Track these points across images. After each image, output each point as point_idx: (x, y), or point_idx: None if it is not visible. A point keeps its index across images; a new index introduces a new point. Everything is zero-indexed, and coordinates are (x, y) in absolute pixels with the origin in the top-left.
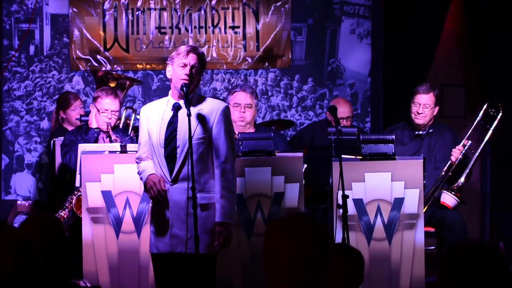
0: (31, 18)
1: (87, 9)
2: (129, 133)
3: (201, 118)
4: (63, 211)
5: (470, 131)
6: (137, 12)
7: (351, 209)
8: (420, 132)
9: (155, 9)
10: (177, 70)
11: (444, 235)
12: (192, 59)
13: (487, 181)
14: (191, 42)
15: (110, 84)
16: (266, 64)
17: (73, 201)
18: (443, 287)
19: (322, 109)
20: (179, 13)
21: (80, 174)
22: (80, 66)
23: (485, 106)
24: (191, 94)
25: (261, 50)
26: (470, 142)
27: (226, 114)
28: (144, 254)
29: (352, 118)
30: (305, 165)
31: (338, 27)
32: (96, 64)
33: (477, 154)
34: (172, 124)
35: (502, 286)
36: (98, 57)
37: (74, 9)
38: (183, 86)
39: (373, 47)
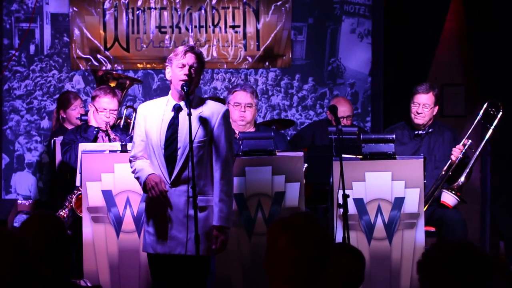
0: (32, 17)
1: (87, 8)
2: (129, 132)
3: (202, 121)
4: (63, 211)
5: (470, 130)
6: (138, 12)
7: (352, 208)
8: (420, 132)
9: (155, 8)
10: (176, 71)
11: (445, 234)
12: (190, 58)
13: (487, 180)
14: (191, 42)
15: (110, 84)
16: (267, 63)
17: (73, 200)
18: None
19: (322, 109)
20: (179, 12)
21: (80, 173)
22: (81, 66)
23: (485, 105)
24: (192, 94)
25: (262, 49)
26: (470, 141)
27: (226, 117)
28: (144, 253)
29: (352, 118)
30: (306, 165)
31: (339, 26)
32: (96, 64)
33: (477, 153)
34: (173, 126)
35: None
36: (99, 56)
37: (74, 8)
38: (183, 86)
39: (373, 47)
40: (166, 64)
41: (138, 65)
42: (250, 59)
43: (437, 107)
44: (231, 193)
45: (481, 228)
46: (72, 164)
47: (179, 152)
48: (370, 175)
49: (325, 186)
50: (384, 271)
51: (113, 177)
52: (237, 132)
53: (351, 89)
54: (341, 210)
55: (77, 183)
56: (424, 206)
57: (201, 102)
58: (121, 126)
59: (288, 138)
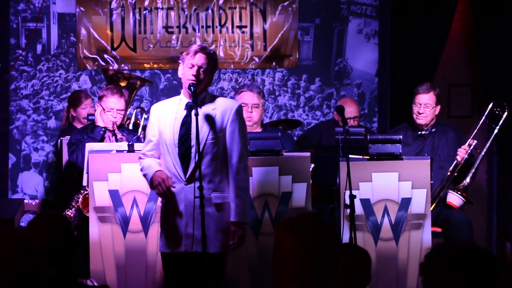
0: (38, 17)
1: (94, 8)
2: (139, 132)
3: (215, 118)
4: (70, 210)
5: (475, 130)
6: (145, 12)
7: (359, 209)
8: (423, 132)
9: (162, 8)
10: (185, 70)
11: (451, 235)
12: (199, 59)
13: (493, 180)
14: (198, 42)
15: (120, 84)
16: (274, 63)
17: (80, 200)
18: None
19: (329, 109)
20: (186, 12)
21: (87, 173)
22: (87, 65)
23: (490, 106)
24: (203, 93)
25: (269, 49)
26: (475, 141)
27: (239, 113)
28: (151, 253)
29: (359, 118)
30: (312, 165)
31: (346, 27)
32: (103, 63)
33: (483, 153)
34: (186, 124)
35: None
36: (105, 56)
37: (81, 8)
38: (190, 86)
39: (380, 47)
40: (179, 61)
41: (145, 65)
42: (257, 59)
43: (439, 107)
44: (247, 189)
45: (487, 229)
46: (79, 164)
47: (193, 150)
48: (377, 176)
49: (332, 187)
50: (391, 271)
51: (120, 177)
52: None
53: (358, 89)
54: (348, 210)
55: (84, 183)
56: (430, 207)
57: (213, 99)
58: (130, 127)
59: (295, 138)
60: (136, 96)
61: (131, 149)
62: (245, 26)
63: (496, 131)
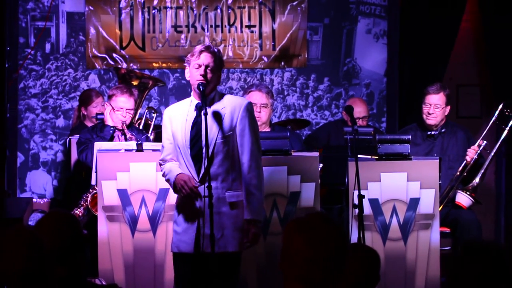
0: (47, 16)
1: (103, 7)
2: (149, 132)
3: (225, 116)
4: (78, 209)
5: (485, 131)
6: (153, 11)
7: (367, 209)
8: (433, 132)
9: (171, 7)
10: (193, 72)
11: (459, 235)
12: (205, 58)
13: (502, 181)
14: (207, 41)
15: (132, 83)
16: (282, 63)
17: (89, 199)
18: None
19: (338, 109)
20: (195, 11)
21: (96, 172)
22: (96, 64)
23: (500, 106)
24: (213, 92)
25: (277, 49)
26: (485, 142)
27: (249, 110)
28: (159, 252)
29: (368, 118)
30: (321, 165)
31: (354, 26)
32: (112, 63)
33: (492, 154)
34: (197, 125)
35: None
36: (114, 55)
37: (90, 7)
38: (199, 86)
39: (389, 47)
40: (185, 64)
41: (154, 64)
42: (265, 59)
43: (449, 107)
44: (260, 186)
45: (495, 229)
46: (89, 163)
47: (204, 150)
48: (386, 176)
49: (340, 187)
50: (399, 271)
51: (128, 176)
52: None
53: (367, 89)
54: (357, 210)
55: (93, 182)
56: (439, 207)
57: (222, 97)
58: (141, 127)
59: (303, 138)
60: (146, 95)
61: (139, 149)
62: (254, 26)
63: (505, 132)
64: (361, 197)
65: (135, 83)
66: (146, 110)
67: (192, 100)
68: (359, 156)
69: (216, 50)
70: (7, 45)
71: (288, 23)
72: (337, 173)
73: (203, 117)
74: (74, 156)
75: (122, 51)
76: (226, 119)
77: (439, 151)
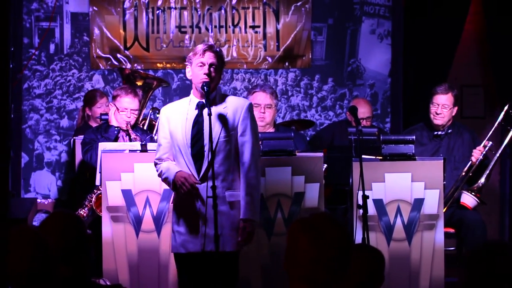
0: (51, 17)
1: (107, 7)
2: (154, 133)
3: (227, 116)
4: (83, 210)
5: (490, 132)
6: (158, 11)
7: (371, 209)
8: (439, 133)
9: (175, 8)
10: (196, 70)
11: (464, 235)
12: (209, 57)
13: (506, 182)
14: (211, 42)
15: (136, 83)
16: (286, 64)
17: (93, 199)
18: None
19: (342, 109)
20: (199, 12)
21: (100, 172)
22: (100, 65)
23: (506, 107)
24: (213, 92)
25: (281, 50)
26: (490, 143)
27: (250, 111)
28: (164, 253)
29: (372, 119)
30: (325, 165)
31: (359, 27)
32: (116, 63)
33: (497, 155)
34: (198, 123)
35: None
36: (118, 55)
37: (94, 7)
38: (204, 85)
39: (393, 48)
40: (186, 63)
41: (158, 64)
42: (270, 59)
43: (456, 108)
44: (258, 187)
45: (500, 230)
46: (93, 163)
47: (206, 149)
48: (390, 176)
49: (344, 187)
50: (403, 272)
51: (132, 177)
52: None
53: (371, 90)
54: (361, 211)
55: (97, 183)
56: (444, 207)
57: (224, 97)
58: (145, 127)
59: (308, 138)
60: (150, 96)
61: (144, 149)
62: (258, 26)
63: (511, 133)
64: (365, 197)
65: (139, 83)
66: (150, 111)
67: (192, 99)
68: (363, 156)
69: (218, 49)
70: (11, 46)
71: (292, 24)
72: (341, 173)
73: (206, 116)
74: (78, 156)
75: (126, 51)
76: (228, 119)
77: (445, 152)
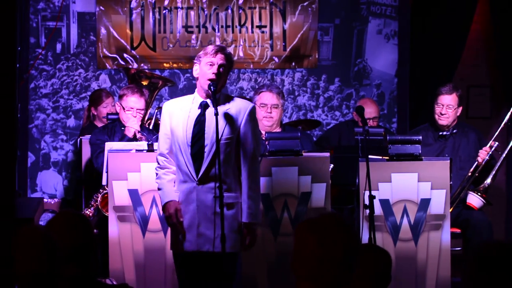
0: (58, 16)
1: (114, 7)
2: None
3: (229, 118)
4: (88, 209)
5: (497, 132)
6: (164, 11)
7: (378, 209)
8: (444, 133)
9: (182, 8)
10: (204, 69)
11: (470, 236)
12: (219, 58)
13: None
14: (218, 42)
15: (142, 83)
16: (293, 64)
17: (99, 199)
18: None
19: (348, 109)
20: (206, 12)
21: (107, 172)
22: (107, 65)
23: None
24: (218, 93)
25: (288, 49)
26: (496, 143)
27: (253, 114)
28: (170, 253)
29: (378, 119)
30: (332, 165)
31: (365, 27)
32: (122, 63)
33: (503, 155)
34: (200, 123)
35: None
36: (125, 55)
37: (101, 7)
38: (210, 85)
39: (400, 48)
40: (195, 61)
41: (165, 64)
42: (276, 59)
43: (461, 108)
44: (258, 190)
45: (506, 230)
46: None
47: (206, 149)
48: (396, 176)
49: (351, 187)
50: (410, 272)
51: (139, 177)
52: (263, 132)
53: (377, 90)
54: (367, 211)
55: (103, 182)
56: (450, 207)
57: (227, 99)
58: (151, 127)
59: (314, 138)
60: (156, 95)
61: (150, 149)
62: (265, 26)
63: None
64: (371, 197)
65: (144, 83)
66: (156, 110)
67: (196, 97)
68: (370, 156)
69: (229, 52)
70: (18, 45)
71: (299, 24)
72: (348, 173)
73: (210, 117)
74: (85, 156)
75: (133, 51)
76: (230, 121)
77: (451, 152)
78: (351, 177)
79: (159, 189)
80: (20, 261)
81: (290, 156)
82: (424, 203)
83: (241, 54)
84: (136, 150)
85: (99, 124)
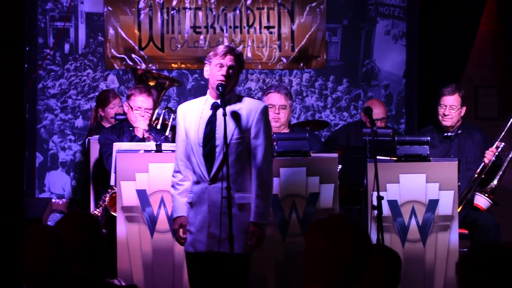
0: (66, 17)
1: (122, 8)
2: (167, 133)
3: (240, 118)
4: (97, 209)
5: (503, 133)
6: (172, 11)
7: (386, 210)
8: (449, 134)
9: (190, 8)
10: (214, 70)
11: (478, 237)
12: (229, 60)
13: None
14: (226, 42)
15: (149, 83)
16: (301, 64)
17: (107, 199)
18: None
19: (356, 110)
20: (214, 12)
21: (115, 172)
22: (115, 65)
23: None
24: (229, 94)
25: (296, 50)
26: (503, 144)
27: (265, 114)
28: (178, 253)
29: (386, 120)
30: (340, 166)
31: (373, 28)
32: (131, 63)
33: (510, 156)
34: (211, 123)
35: None
36: (133, 56)
37: (109, 7)
38: (219, 86)
39: (408, 49)
40: (205, 62)
41: (173, 65)
42: (284, 60)
43: (464, 108)
44: (268, 189)
45: None
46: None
47: (217, 149)
48: (405, 177)
49: (359, 188)
50: (418, 273)
51: (147, 177)
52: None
53: (385, 90)
54: (375, 211)
55: (112, 183)
56: (458, 208)
57: (239, 99)
58: (158, 127)
59: (322, 139)
60: (164, 96)
61: (158, 149)
62: (273, 27)
63: None
64: (380, 198)
65: (152, 83)
66: (164, 110)
67: (208, 99)
68: (378, 157)
69: (239, 52)
70: (26, 46)
71: (307, 24)
72: (356, 174)
73: (220, 117)
74: (93, 156)
75: (141, 51)
76: (242, 121)
77: (456, 153)
78: (359, 178)
79: (172, 197)
80: (28, 261)
81: (298, 157)
82: (432, 204)
83: (249, 54)
84: (144, 150)
85: (107, 125)
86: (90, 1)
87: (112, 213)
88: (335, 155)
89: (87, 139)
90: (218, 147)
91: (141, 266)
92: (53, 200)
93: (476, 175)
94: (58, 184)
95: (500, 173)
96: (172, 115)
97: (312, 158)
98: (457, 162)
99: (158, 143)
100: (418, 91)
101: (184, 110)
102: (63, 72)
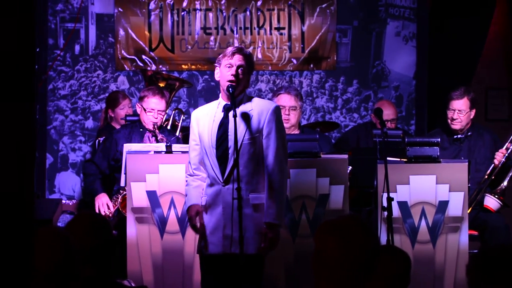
0: (77, 18)
1: (132, 9)
2: (177, 134)
3: (252, 118)
4: (108, 210)
5: None
6: (183, 13)
7: (396, 211)
8: (459, 136)
9: (200, 9)
10: (223, 72)
11: (488, 238)
12: (238, 59)
13: None
14: (236, 43)
15: (159, 84)
16: (311, 65)
17: (119, 200)
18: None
19: (366, 111)
20: (224, 13)
21: (125, 173)
22: (125, 66)
23: None
24: (241, 94)
25: (306, 51)
26: None
27: (277, 113)
28: (188, 254)
29: (396, 121)
30: (350, 167)
31: (384, 29)
32: (141, 64)
33: None
34: (223, 125)
35: None
36: (143, 57)
37: (119, 9)
38: (229, 87)
39: (418, 50)
40: (215, 65)
41: (183, 66)
42: (294, 61)
43: (474, 111)
44: (282, 191)
45: None
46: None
47: (230, 151)
48: (415, 178)
49: (369, 189)
50: (428, 274)
51: (157, 178)
52: None
53: (396, 92)
54: (386, 213)
55: (122, 184)
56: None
57: (250, 100)
58: (168, 128)
59: (332, 140)
60: (174, 97)
61: (169, 150)
62: (283, 28)
63: None
64: (390, 199)
65: (161, 84)
66: (174, 111)
67: (220, 102)
68: (388, 158)
69: (248, 53)
70: (36, 47)
71: (317, 26)
72: (366, 175)
73: (232, 118)
74: None
75: (151, 52)
76: (253, 121)
77: (466, 155)
78: (369, 179)
79: (186, 193)
80: (39, 262)
81: (308, 158)
82: (442, 205)
83: (259, 56)
84: (155, 151)
85: (117, 126)
86: (101, 2)
87: (124, 214)
88: (345, 156)
89: (97, 140)
90: (231, 149)
91: (151, 267)
92: (63, 201)
93: (486, 177)
94: (68, 185)
95: (510, 174)
96: (182, 116)
97: (322, 159)
98: (467, 163)
99: (168, 144)
100: (428, 93)
101: (198, 114)
102: (73, 73)
